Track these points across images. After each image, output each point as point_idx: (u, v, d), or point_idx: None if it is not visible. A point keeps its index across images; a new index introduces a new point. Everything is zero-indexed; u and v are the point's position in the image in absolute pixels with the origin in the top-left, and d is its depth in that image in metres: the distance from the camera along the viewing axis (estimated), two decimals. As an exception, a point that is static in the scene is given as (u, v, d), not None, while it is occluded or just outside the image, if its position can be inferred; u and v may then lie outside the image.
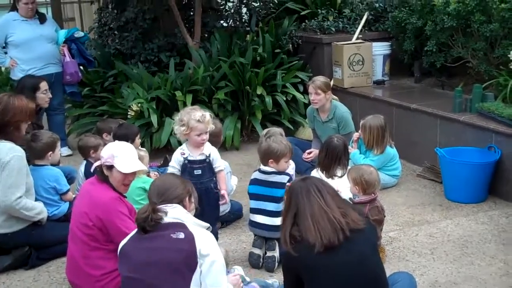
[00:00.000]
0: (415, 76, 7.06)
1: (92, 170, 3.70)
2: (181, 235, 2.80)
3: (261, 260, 4.09)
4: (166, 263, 2.77)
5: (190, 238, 2.80)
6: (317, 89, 5.61)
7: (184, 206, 3.01)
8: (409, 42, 6.81)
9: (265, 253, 4.13)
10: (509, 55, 5.48)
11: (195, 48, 7.33)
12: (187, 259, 2.77)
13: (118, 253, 2.99)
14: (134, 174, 3.62)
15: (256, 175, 4.27)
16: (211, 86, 6.93)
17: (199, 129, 4.07)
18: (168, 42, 7.64)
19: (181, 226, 2.85)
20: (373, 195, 3.93)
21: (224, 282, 2.89)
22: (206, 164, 4.19)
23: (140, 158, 4.17)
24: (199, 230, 2.89)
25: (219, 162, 4.27)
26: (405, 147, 5.94)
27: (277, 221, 3.83)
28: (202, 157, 4.18)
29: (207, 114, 4.14)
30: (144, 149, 5.12)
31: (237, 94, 6.98)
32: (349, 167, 4.39)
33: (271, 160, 4.17)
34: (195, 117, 4.06)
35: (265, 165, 4.22)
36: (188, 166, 4.14)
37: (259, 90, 6.77)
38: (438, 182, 5.43)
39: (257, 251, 4.12)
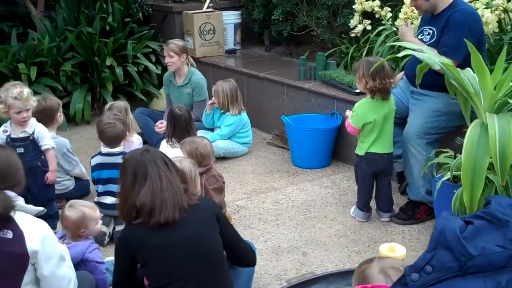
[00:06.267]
0: (265, 45, 7.18)
1: None
2: (9, 235, 2.45)
3: (107, 237, 4.02)
4: None
5: (19, 237, 2.47)
6: (170, 51, 5.62)
7: (17, 190, 2.67)
8: (258, 11, 6.89)
9: (114, 228, 4.09)
10: (349, 24, 5.71)
11: (39, 17, 6.96)
12: (16, 261, 2.47)
13: None
14: None
15: (99, 159, 4.17)
16: (58, 57, 6.62)
17: (17, 107, 3.94)
18: (10, 11, 7.20)
19: (8, 222, 2.48)
20: (208, 164, 3.86)
21: (61, 273, 2.63)
22: (30, 142, 4.06)
23: None
24: (30, 223, 2.55)
25: (46, 141, 4.14)
26: (256, 115, 6.04)
27: None
28: (24, 135, 4.06)
29: (26, 91, 3.98)
30: None
31: (86, 65, 6.72)
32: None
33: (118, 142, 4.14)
34: (12, 94, 3.91)
35: (112, 147, 4.13)
36: (10, 144, 3.98)
37: (109, 61, 6.57)
38: (287, 149, 5.59)
39: (104, 228, 4.03)
